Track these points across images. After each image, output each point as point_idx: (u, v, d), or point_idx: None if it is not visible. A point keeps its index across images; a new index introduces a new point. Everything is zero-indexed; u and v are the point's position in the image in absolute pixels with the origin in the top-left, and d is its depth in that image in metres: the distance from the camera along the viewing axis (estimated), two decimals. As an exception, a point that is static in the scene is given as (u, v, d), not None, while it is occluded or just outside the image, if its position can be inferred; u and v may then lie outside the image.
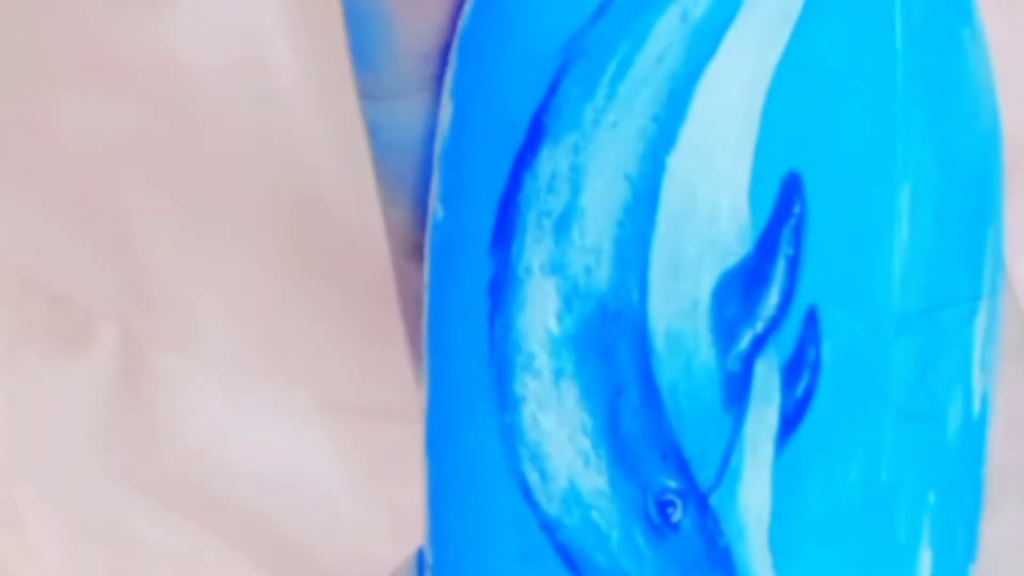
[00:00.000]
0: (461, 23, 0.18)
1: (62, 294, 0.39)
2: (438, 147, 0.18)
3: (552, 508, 0.17)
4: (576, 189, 0.17)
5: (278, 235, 0.39)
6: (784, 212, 0.17)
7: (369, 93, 0.18)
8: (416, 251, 0.18)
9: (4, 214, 0.39)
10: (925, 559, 0.17)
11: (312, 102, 0.38)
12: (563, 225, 0.17)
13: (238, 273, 0.39)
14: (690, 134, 0.17)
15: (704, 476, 0.17)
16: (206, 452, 0.38)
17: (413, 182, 0.18)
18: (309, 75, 0.38)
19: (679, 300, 0.17)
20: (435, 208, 0.18)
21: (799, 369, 0.17)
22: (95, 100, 0.39)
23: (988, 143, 0.18)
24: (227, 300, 0.39)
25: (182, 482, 0.38)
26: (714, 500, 0.17)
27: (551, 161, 0.17)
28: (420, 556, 0.18)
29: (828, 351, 0.17)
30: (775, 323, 0.17)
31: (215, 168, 0.39)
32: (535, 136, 0.17)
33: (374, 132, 0.18)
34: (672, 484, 0.17)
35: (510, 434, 0.17)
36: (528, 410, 0.17)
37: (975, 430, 0.18)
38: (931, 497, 0.17)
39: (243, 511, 0.38)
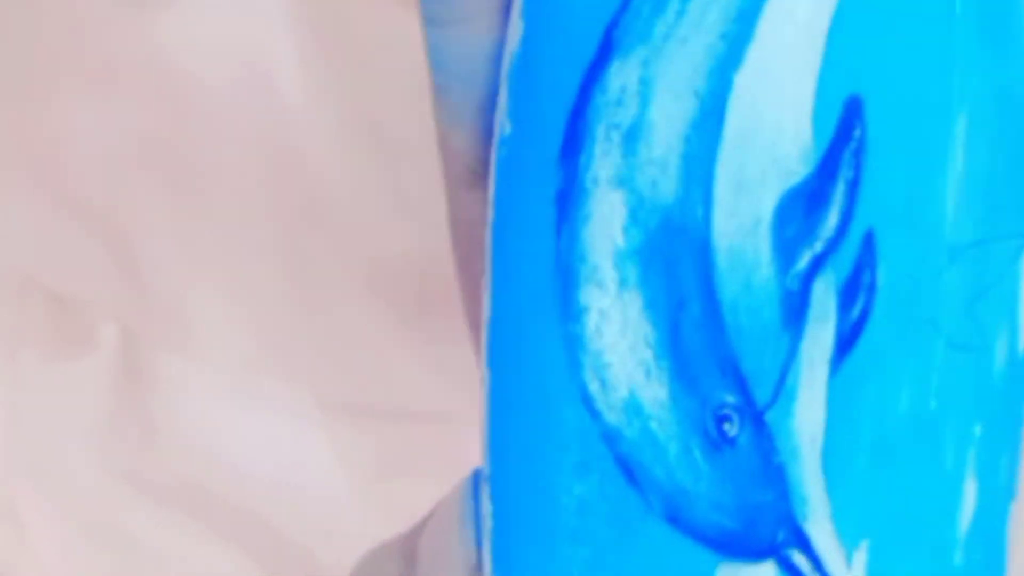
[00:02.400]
0: None
1: (62, 294, 0.39)
2: (506, 65, 0.18)
3: (612, 418, 0.18)
4: (645, 103, 0.17)
5: (278, 235, 0.39)
6: (845, 135, 0.17)
7: (434, 19, 0.18)
8: (474, 178, 0.19)
9: (4, 214, 0.39)
10: (970, 489, 0.18)
11: (312, 102, 0.38)
12: (631, 138, 0.17)
13: (238, 273, 0.39)
14: (757, 53, 0.17)
15: (761, 393, 0.17)
16: (206, 452, 0.38)
17: (474, 108, 0.19)
18: (309, 75, 0.38)
19: (742, 217, 0.17)
20: (503, 124, 0.18)
21: (855, 291, 0.17)
22: (95, 100, 0.39)
23: None
24: (227, 300, 0.39)
25: (182, 482, 0.38)
26: (770, 417, 0.17)
27: (621, 75, 0.17)
28: (475, 475, 0.19)
29: (883, 276, 0.17)
30: (834, 244, 0.17)
31: (215, 168, 0.39)
32: (606, 50, 0.17)
33: (436, 58, 0.19)
34: (730, 399, 0.17)
35: (573, 344, 0.18)
36: (592, 320, 0.17)
37: (1020, 367, 0.18)
38: (977, 429, 0.18)
39: (243, 511, 0.38)
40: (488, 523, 0.19)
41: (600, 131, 0.17)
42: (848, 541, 0.17)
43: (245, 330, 0.39)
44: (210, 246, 0.39)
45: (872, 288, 0.17)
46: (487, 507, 0.19)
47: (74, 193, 0.39)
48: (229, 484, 0.38)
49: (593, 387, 0.18)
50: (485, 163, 0.19)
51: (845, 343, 0.17)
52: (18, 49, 0.39)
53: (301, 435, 0.39)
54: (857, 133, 0.17)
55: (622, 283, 0.17)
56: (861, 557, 0.18)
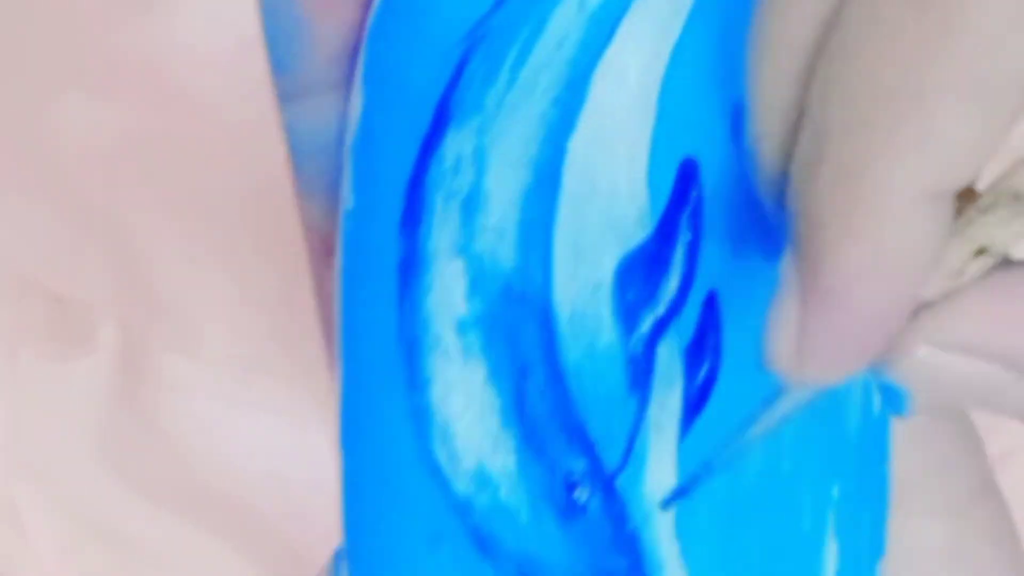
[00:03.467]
0: (370, 17, 0.18)
1: (62, 294, 0.39)
2: (348, 139, 0.18)
3: (462, 488, 0.18)
4: (480, 171, 0.17)
5: (279, 235, 0.39)
6: (682, 197, 0.17)
7: (285, 94, 0.18)
8: (328, 251, 0.19)
9: (4, 214, 0.39)
10: (831, 550, 0.17)
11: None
12: (468, 206, 0.17)
13: (238, 273, 0.39)
14: (589, 119, 0.17)
15: (610, 458, 0.17)
16: (206, 452, 0.38)
17: (327, 180, 0.18)
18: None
19: (582, 282, 0.17)
20: (346, 198, 0.18)
21: (701, 354, 0.17)
22: (95, 100, 0.39)
23: None
24: (227, 300, 0.39)
25: (182, 482, 0.38)
26: (620, 483, 0.17)
27: (456, 144, 0.17)
28: (338, 554, 0.19)
29: (728, 338, 0.17)
30: (676, 307, 0.17)
31: (215, 168, 0.39)
32: (441, 120, 0.17)
33: (291, 134, 0.19)
34: (579, 465, 0.17)
35: (420, 415, 0.18)
36: (437, 390, 0.18)
37: (876, 427, 0.18)
38: (835, 491, 0.18)
39: (243, 511, 0.38)
40: None
41: (438, 200, 0.17)
42: None
43: (245, 330, 0.39)
44: (210, 246, 0.39)
45: (717, 351, 0.17)
46: None
47: (74, 193, 0.39)
48: (229, 484, 0.38)
49: (442, 458, 0.18)
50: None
51: (693, 406, 0.17)
52: (18, 49, 0.39)
53: (301, 435, 0.39)
54: (694, 194, 0.17)
55: (466, 352, 0.17)
56: None
